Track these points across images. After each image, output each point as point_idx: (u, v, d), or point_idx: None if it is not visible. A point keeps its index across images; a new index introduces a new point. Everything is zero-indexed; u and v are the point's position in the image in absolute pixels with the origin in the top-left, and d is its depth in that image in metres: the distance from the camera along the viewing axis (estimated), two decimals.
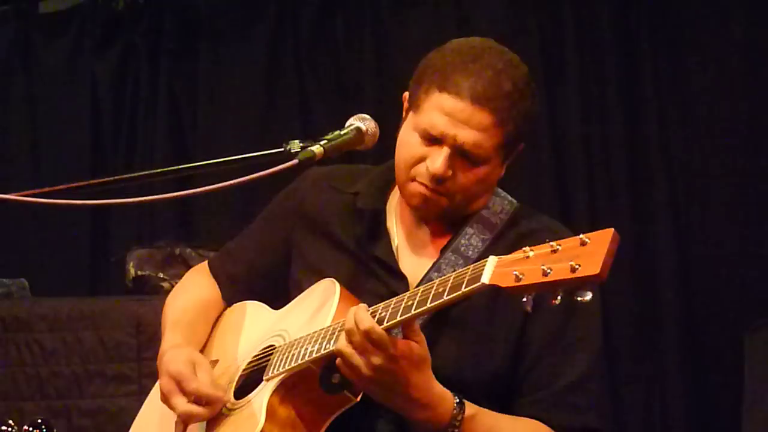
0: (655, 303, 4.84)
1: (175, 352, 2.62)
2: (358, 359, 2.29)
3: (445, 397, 2.37)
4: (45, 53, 5.64)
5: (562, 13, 5.00)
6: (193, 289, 2.88)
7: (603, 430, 2.55)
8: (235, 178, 2.28)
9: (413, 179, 2.55)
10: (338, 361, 2.33)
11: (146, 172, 2.72)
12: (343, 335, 2.32)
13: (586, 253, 2.04)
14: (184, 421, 2.56)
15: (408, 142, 2.56)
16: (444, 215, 2.60)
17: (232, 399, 2.57)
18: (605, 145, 4.95)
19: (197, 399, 2.52)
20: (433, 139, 2.52)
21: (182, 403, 2.52)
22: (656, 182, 4.88)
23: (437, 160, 2.50)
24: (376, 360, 2.28)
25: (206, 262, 2.97)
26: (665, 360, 4.80)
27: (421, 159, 2.54)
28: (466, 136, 2.49)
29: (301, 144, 2.43)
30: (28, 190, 2.35)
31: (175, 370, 2.55)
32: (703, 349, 4.79)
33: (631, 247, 4.85)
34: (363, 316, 2.30)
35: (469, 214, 2.62)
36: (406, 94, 2.64)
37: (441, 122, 2.50)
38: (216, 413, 2.54)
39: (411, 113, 2.59)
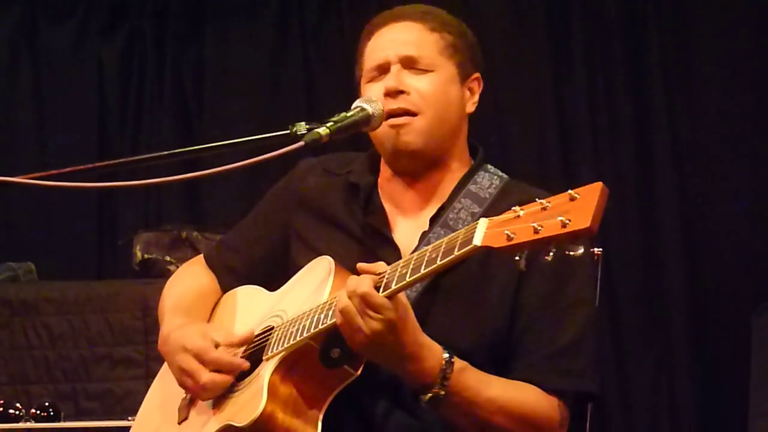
0: (663, 284, 4.85)
1: (184, 329, 2.61)
2: (359, 320, 2.29)
3: (432, 348, 2.36)
4: (51, 36, 5.63)
5: None
6: (190, 278, 2.86)
7: (596, 392, 2.56)
8: (242, 161, 2.27)
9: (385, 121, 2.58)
10: (339, 321, 2.32)
11: (153, 155, 2.72)
12: (344, 297, 2.31)
13: (575, 208, 2.03)
14: (206, 392, 2.53)
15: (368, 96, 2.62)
16: (428, 148, 2.59)
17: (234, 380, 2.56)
18: (612, 129, 4.95)
19: (218, 368, 2.51)
20: (382, 71, 2.61)
21: (205, 374, 2.51)
22: (663, 165, 4.87)
23: (389, 78, 2.59)
24: (376, 325, 2.28)
25: (201, 255, 2.95)
26: (673, 341, 4.81)
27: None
28: (403, 45, 2.61)
29: (308, 126, 2.42)
30: (35, 173, 2.34)
31: (191, 344, 2.54)
32: (710, 330, 4.80)
33: (639, 228, 4.86)
34: (362, 281, 2.30)
35: (451, 158, 2.63)
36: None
37: (380, 53, 2.63)
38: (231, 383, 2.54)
39: (361, 80, 2.67)
